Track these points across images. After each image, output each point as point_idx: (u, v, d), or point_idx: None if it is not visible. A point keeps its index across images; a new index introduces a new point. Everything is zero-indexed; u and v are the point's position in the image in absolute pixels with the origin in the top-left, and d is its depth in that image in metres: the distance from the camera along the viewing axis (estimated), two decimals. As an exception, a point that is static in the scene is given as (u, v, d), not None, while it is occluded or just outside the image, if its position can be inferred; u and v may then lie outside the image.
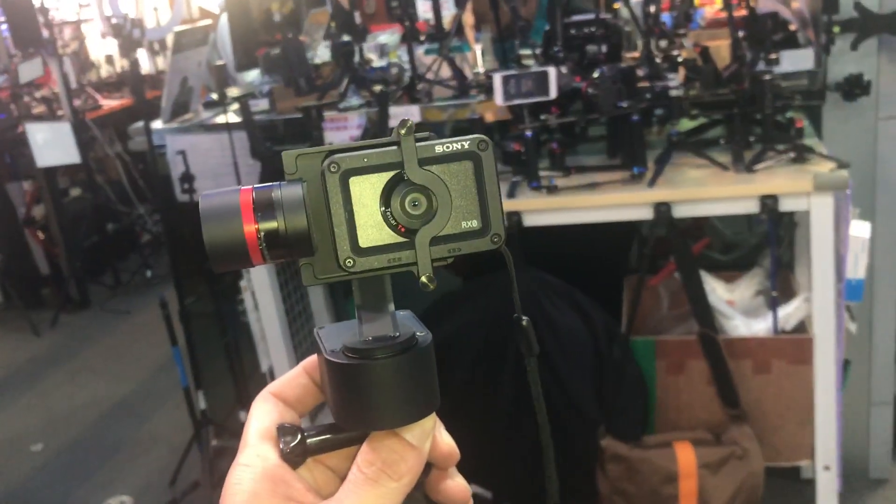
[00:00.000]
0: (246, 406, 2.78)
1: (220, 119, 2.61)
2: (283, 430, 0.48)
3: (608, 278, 2.55)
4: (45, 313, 4.72)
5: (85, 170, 4.93)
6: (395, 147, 0.43)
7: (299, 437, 0.47)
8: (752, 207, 2.05)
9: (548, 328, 2.22)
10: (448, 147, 0.43)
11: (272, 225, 0.43)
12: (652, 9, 2.27)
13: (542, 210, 2.16)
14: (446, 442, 0.50)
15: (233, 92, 2.79)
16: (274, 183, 0.45)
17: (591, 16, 2.48)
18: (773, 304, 2.23)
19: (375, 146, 0.44)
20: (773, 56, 2.08)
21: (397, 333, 0.46)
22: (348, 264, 0.43)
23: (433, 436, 0.48)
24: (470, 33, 2.88)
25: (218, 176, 2.53)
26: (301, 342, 2.66)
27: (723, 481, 2.14)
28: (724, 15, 2.82)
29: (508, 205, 2.17)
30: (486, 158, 0.44)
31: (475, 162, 0.43)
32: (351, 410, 0.45)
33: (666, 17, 2.45)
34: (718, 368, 2.18)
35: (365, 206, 0.43)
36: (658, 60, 2.28)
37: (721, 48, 2.32)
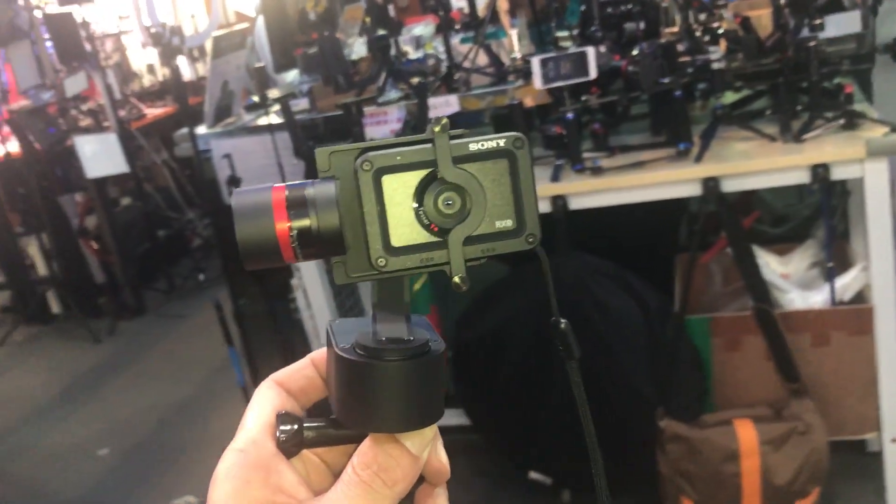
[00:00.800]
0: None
1: (263, 121, 2.63)
2: (282, 419, 0.47)
3: (658, 258, 2.52)
4: (103, 321, 4.82)
5: (133, 178, 5.03)
6: (428, 145, 0.42)
7: (297, 427, 0.47)
8: (802, 178, 2.01)
9: (599, 311, 2.20)
10: (483, 145, 0.43)
11: (305, 223, 0.43)
12: (689, -20, 2.23)
13: (588, 192, 2.14)
14: (440, 458, 0.48)
15: (273, 93, 2.81)
16: (307, 181, 0.44)
17: (627, -7, 2.44)
18: (830, 276, 2.19)
19: (409, 143, 0.43)
20: (817, 21, 2.03)
21: (411, 338, 0.45)
22: (380, 263, 0.42)
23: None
24: (505, 19, 2.86)
25: (263, 177, 2.56)
26: (353, 337, 2.68)
27: (786, 457, 2.10)
28: (763, -17, 2.77)
29: (553, 189, 2.15)
30: (521, 157, 0.43)
31: (510, 160, 0.43)
32: (354, 408, 0.45)
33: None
34: (776, 343, 2.15)
35: (398, 204, 0.42)
36: (698, 34, 2.24)
37: (762, 17, 2.28)
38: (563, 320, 0.51)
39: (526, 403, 2.34)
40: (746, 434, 2.11)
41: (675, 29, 2.43)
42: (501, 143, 0.43)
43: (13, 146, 4.65)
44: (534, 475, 2.46)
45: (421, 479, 0.47)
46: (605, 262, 2.29)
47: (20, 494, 3.34)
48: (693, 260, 2.18)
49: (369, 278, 0.44)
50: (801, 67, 2.06)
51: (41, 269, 4.94)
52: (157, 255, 5.16)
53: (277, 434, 0.46)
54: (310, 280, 2.45)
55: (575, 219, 2.20)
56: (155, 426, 3.65)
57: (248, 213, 0.43)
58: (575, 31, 2.49)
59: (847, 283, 2.17)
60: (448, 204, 0.42)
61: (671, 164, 2.09)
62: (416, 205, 0.43)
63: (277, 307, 2.82)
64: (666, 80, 2.08)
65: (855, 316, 2.11)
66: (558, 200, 2.16)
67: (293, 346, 2.83)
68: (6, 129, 4.74)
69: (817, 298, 2.21)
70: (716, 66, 2.14)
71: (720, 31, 2.19)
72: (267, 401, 0.48)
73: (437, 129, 0.42)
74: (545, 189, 2.15)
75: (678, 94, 2.10)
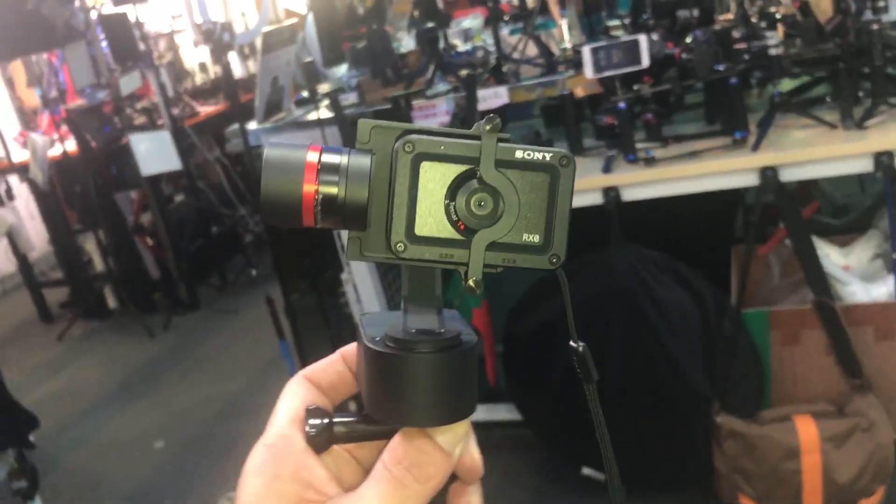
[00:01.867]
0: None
1: (312, 116, 2.64)
2: (312, 413, 0.46)
3: (713, 250, 2.46)
4: (157, 316, 4.90)
5: (187, 176, 5.10)
6: (474, 141, 0.41)
7: (327, 421, 0.46)
8: (865, 166, 1.94)
9: (654, 305, 2.16)
10: (529, 155, 0.41)
11: (332, 190, 0.42)
12: (745, -34, 2.17)
13: (641, 183, 2.10)
14: (473, 455, 0.47)
15: (322, 88, 2.82)
16: (344, 148, 0.43)
17: (679, -21, 2.39)
18: (894, 267, 2.11)
19: (454, 135, 0.42)
20: (880, 3, 1.96)
21: (442, 330, 0.44)
22: (399, 248, 0.41)
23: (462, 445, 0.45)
24: (555, 9, 2.83)
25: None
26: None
27: (849, 455, 2.04)
28: (822, -33, 2.69)
29: (605, 180, 2.12)
30: (564, 175, 0.42)
31: (552, 176, 0.42)
32: (384, 402, 0.43)
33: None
34: (837, 337, 2.08)
35: (430, 193, 0.41)
36: (754, 20, 2.19)
37: (821, 1, 2.21)
38: (581, 343, 0.49)
39: (578, 398, 2.30)
40: (807, 430, 2.05)
41: (730, 16, 2.37)
42: (548, 157, 0.41)
43: (70, 145, 4.74)
44: (586, 471, 2.42)
45: (453, 477, 0.46)
46: (660, 255, 2.25)
47: (77, 487, 3.41)
48: (750, 252, 2.12)
49: (383, 261, 0.43)
50: (864, 52, 1.99)
51: (98, 265, 5.05)
52: (210, 252, 5.23)
53: (307, 429, 0.45)
54: (359, 275, 2.45)
55: (627, 210, 2.16)
56: (209, 419, 3.69)
57: (278, 166, 0.42)
58: (626, 20, 2.45)
59: (912, 274, 2.10)
60: (480, 205, 0.41)
61: (727, 153, 2.04)
62: (448, 199, 0.41)
63: (328, 301, 2.83)
64: (721, 68, 2.03)
65: (921, 309, 2.04)
66: (610, 192, 2.12)
67: (343, 339, 2.84)
68: (63, 128, 4.84)
69: (880, 291, 2.14)
70: (773, 52, 2.08)
71: (777, 17, 2.12)
72: (296, 396, 0.47)
73: (487, 127, 0.41)
74: (597, 180, 2.11)
75: (734, 82, 2.04)
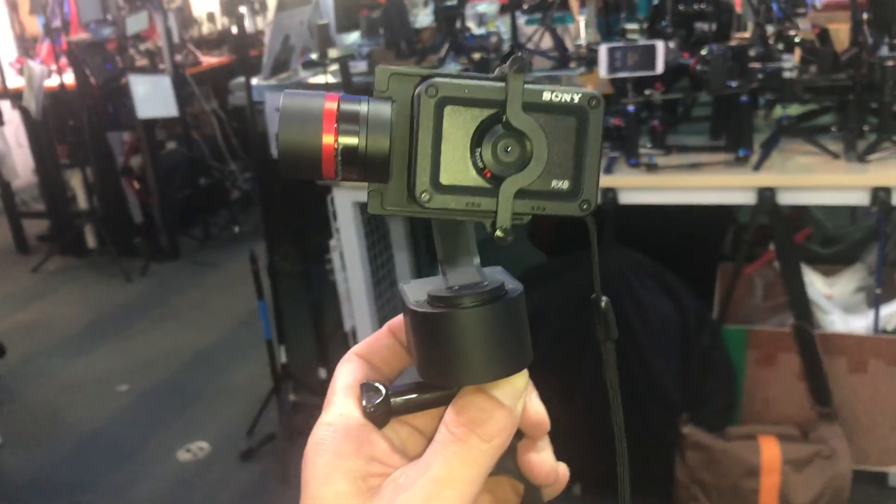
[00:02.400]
0: (325, 363, 2.82)
1: (320, 79, 2.62)
2: (367, 389, 0.45)
3: (701, 263, 2.48)
4: (136, 261, 4.87)
5: (182, 124, 5.05)
6: (500, 83, 0.39)
7: (383, 395, 0.45)
8: (862, 199, 1.96)
9: (635, 308, 2.17)
10: (557, 96, 0.39)
11: (352, 140, 0.40)
12: (771, -15, 2.18)
13: (640, 188, 2.11)
14: (535, 409, 0.45)
15: (332, 53, 2.80)
16: (362, 96, 0.41)
17: (702, -8, 2.40)
18: (876, 302, 2.14)
19: (478, 78, 0.40)
20: (898, 41, 1.97)
21: (486, 282, 0.43)
22: (424, 198, 0.39)
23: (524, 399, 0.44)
24: (574, 5, 2.83)
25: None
26: (384, 305, 2.68)
27: (807, 480, 2.07)
28: (843, -2, 2.70)
29: (605, 181, 2.12)
30: (593, 117, 0.40)
31: (580, 118, 0.40)
32: (435, 364, 0.42)
33: (772, 4, 2.37)
34: (811, 363, 2.11)
35: (454, 140, 0.39)
36: (771, 42, 2.20)
37: (839, 31, 2.22)
38: (604, 298, 0.47)
39: (549, 393, 2.32)
40: (770, 451, 2.08)
41: (746, 35, 2.38)
42: (577, 98, 0.40)
43: (68, 78, 4.68)
44: (548, 465, 2.44)
45: (520, 434, 0.45)
46: (649, 261, 2.26)
47: (36, 420, 3.39)
48: (738, 269, 2.14)
49: (404, 214, 0.42)
50: (875, 87, 2.01)
51: (81, 202, 4.99)
52: (196, 203, 5.19)
53: (364, 404, 0.45)
54: (348, 243, 2.45)
55: (622, 214, 2.17)
56: (176, 369, 3.68)
57: (296, 116, 0.40)
58: (644, 25, 2.45)
59: (893, 311, 2.12)
60: (507, 151, 0.39)
61: (728, 169, 2.06)
62: (474, 145, 0.40)
63: (312, 267, 2.82)
64: (734, 84, 2.04)
65: (897, 346, 2.07)
66: (608, 193, 2.13)
67: (322, 306, 2.84)
68: (63, 60, 4.78)
69: (859, 324, 2.17)
70: (787, 75, 2.09)
71: (796, 40, 2.13)
72: (350, 373, 0.47)
73: (513, 68, 0.39)
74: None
75: (744, 100, 2.05)
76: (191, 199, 5.17)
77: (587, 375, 2.24)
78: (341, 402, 0.45)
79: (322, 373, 2.82)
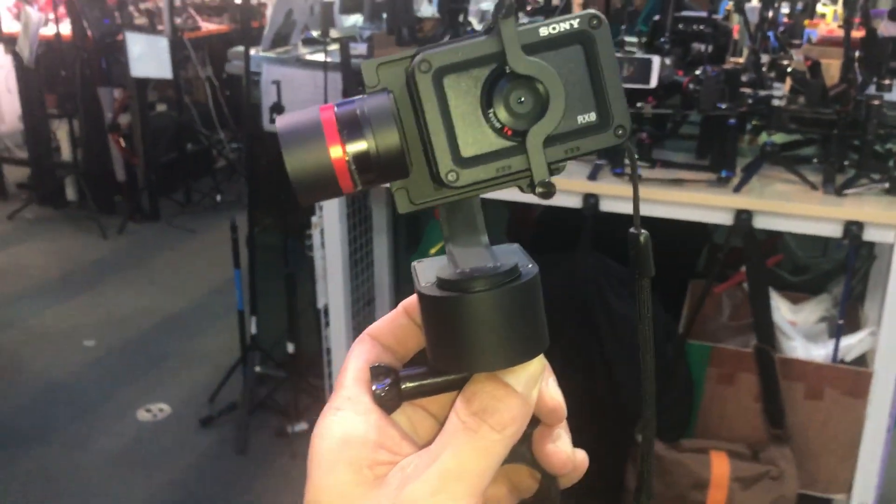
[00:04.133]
0: (295, 338, 2.84)
1: (319, 57, 2.64)
2: (377, 372, 0.43)
3: (674, 278, 2.53)
4: (114, 219, 4.86)
5: (174, 87, 5.04)
6: (491, 36, 0.37)
7: (393, 379, 0.43)
8: (834, 231, 2.01)
9: (606, 314, 2.21)
10: (555, 28, 0.37)
11: (361, 146, 0.37)
12: (770, 13, 2.22)
13: (622, 197, 2.15)
14: (552, 395, 0.43)
15: (333, 33, 2.82)
16: (354, 98, 0.39)
17: (702, 13, 2.44)
18: (838, 333, 2.19)
19: (467, 39, 0.38)
20: (886, 82, 2.02)
21: (498, 264, 0.40)
22: (451, 178, 0.37)
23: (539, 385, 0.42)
24: (577, 11, 2.86)
25: (307, 111, 2.56)
26: (359, 286, 2.70)
27: (753, 498, 2.12)
28: (837, 34, 2.76)
29: (587, 187, 2.16)
30: (600, 38, 0.37)
31: (587, 43, 0.37)
32: (446, 350, 0.40)
33: (769, 33, 2.42)
34: (769, 386, 2.16)
35: (464, 108, 0.37)
36: (764, 69, 2.24)
37: (830, 66, 2.27)
38: (644, 232, 0.45)
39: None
40: (720, 466, 2.13)
41: (741, 60, 2.43)
42: (576, 23, 0.37)
43: (65, 28, 4.65)
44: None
45: (536, 421, 0.43)
46: (623, 269, 2.30)
47: (1, 365, 3.38)
48: (708, 287, 2.19)
49: (438, 202, 0.40)
50: (859, 123, 2.06)
51: (66, 154, 4.97)
52: (180, 167, 5.19)
53: (374, 388, 0.43)
54: (330, 220, 2.47)
55: (600, 222, 2.20)
56: (145, 330, 3.68)
57: (296, 138, 0.38)
58: (643, 39, 2.49)
59: (852, 343, 2.18)
60: (520, 101, 0.37)
61: (709, 188, 2.10)
62: (486, 107, 0.37)
63: (291, 242, 2.84)
64: (724, 106, 2.08)
65: (853, 377, 2.12)
66: (590, 198, 2.16)
67: (298, 281, 2.86)
68: (61, 10, 4.75)
69: (819, 352, 2.22)
70: (776, 102, 2.13)
71: (788, 70, 2.18)
72: (361, 355, 0.45)
73: (501, 14, 0.36)
74: (580, 185, 2.16)
75: (732, 122, 2.10)
76: (176, 163, 5.16)
77: (553, 367, 2.27)
78: (350, 386, 0.43)
79: (290, 347, 2.84)
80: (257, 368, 3.01)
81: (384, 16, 2.84)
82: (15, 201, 5.13)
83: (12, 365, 3.39)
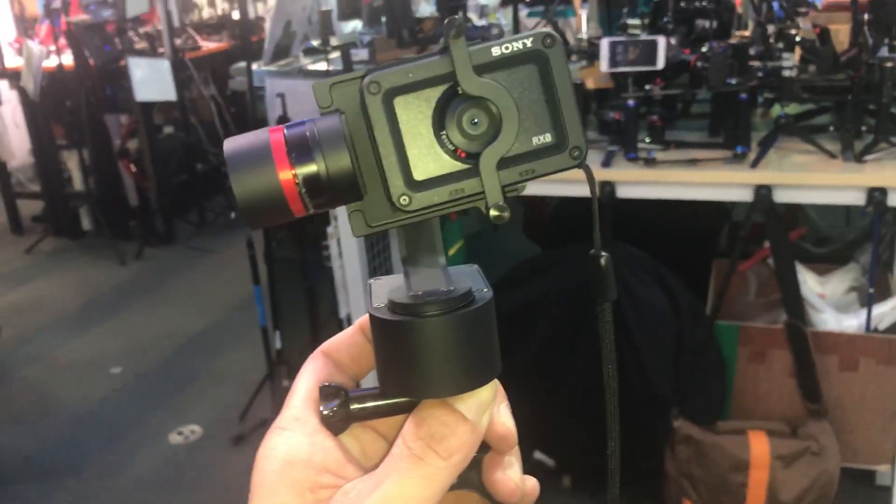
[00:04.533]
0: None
1: (321, 66, 2.62)
2: (326, 392, 0.42)
3: (696, 259, 2.50)
4: (131, 245, 4.87)
5: (180, 108, 5.04)
6: (443, 56, 0.36)
7: (341, 400, 0.41)
8: (857, 199, 1.98)
9: (631, 302, 2.19)
10: (507, 48, 0.36)
11: (311, 168, 0.36)
12: (773, -16, 2.19)
13: (638, 182, 2.12)
14: (503, 422, 0.42)
15: (333, 41, 2.81)
16: (306, 119, 0.38)
17: (704, -11, 2.41)
18: (869, 302, 2.16)
19: (419, 58, 0.37)
20: (897, 43, 1.99)
21: (451, 288, 0.39)
22: (403, 202, 0.36)
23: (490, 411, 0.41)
24: (577, -1, 2.83)
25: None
26: (379, 293, 2.69)
27: (795, 476, 2.09)
28: (843, -1, 2.71)
29: (602, 174, 2.13)
30: (553, 57, 0.36)
31: (540, 63, 0.36)
32: (395, 374, 0.39)
33: (773, 3, 2.38)
34: (803, 361, 2.13)
35: (415, 130, 0.36)
36: (771, 40, 2.21)
37: (839, 32, 2.23)
38: (604, 254, 0.43)
39: (543, 385, 2.34)
40: (759, 446, 2.09)
41: (746, 33, 2.39)
42: (528, 42, 0.36)
43: (67, 59, 4.67)
44: (538, 455, 2.46)
45: (486, 448, 0.43)
46: (644, 255, 2.28)
47: (27, 400, 3.39)
48: (732, 266, 2.16)
49: (394, 224, 0.39)
50: (873, 88, 2.02)
51: (77, 184, 4.99)
52: (192, 188, 5.19)
53: (321, 409, 0.41)
54: (345, 230, 2.45)
55: (618, 208, 2.18)
56: (170, 353, 3.68)
57: (244, 161, 0.37)
58: (646, 21, 2.46)
59: (885, 311, 2.14)
60: (474, 123, 0.36)
61: (726, 166, 2.07)
62: (438, 129, 0.37)
63: (309, 254, 2.83)
64: (733, 81, 2.05)
65: (888, 346, 2.08)
66: (606, 186, 2.14)
67: (317, 294, 2.85)
68: (62, 40, 4.76)
69: (851, 322, 2.19)
70: (786, 73, 2.10)
71: (797, 39, 2.14)
72: (311, 374, 0.44)
73: (451, 33, 0.35)
74: (595, 173, 2.13)
75: (743, 97, 2.07)
76: (187, 184, 5.16)
77: (580, 368, 2.25)
78: (298, 406, 0.42)
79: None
80: (285, 383, 3.00)
81: (383, 19, 2.83)
82: (31, 235, 5.15)
83: (40, 398, 3.39)
